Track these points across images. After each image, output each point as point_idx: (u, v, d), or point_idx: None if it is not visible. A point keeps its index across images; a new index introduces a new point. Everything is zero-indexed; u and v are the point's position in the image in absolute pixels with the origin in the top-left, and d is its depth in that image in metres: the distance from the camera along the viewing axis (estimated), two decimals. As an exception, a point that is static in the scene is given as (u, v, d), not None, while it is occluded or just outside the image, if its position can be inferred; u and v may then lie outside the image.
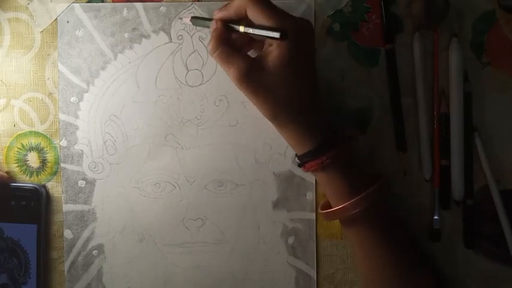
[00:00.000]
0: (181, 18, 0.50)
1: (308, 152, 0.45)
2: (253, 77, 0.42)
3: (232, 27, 0.44)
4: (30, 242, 0.50)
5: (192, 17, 0.48)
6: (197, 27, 0.51)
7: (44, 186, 0.51)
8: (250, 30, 0.42)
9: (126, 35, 0.51)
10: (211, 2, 0.51)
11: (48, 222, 0.51)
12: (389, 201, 0.48)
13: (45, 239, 0.51)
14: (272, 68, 0.42)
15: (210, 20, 0.46)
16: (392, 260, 0.46)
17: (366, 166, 0.51)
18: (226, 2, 0.50)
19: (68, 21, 0.51)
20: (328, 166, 0.44)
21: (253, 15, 0.42)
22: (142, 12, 0.51)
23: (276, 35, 0.40)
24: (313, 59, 0.45)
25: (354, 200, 0.44)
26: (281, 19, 0.42)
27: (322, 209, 0.48)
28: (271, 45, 0.43)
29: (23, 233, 0.50)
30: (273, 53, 0.42)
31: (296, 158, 0.47)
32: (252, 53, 0.46)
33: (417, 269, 0.47)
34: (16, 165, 0.51)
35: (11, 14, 0.51)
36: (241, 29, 0.42)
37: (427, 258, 0.50)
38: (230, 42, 0.44)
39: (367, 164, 0.51)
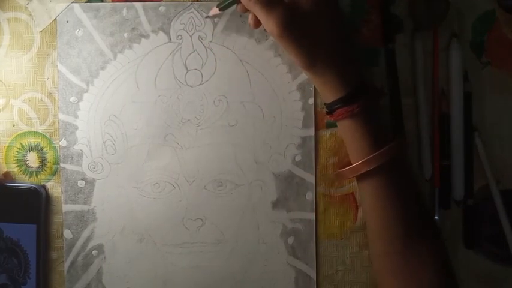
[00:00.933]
0: (208, 17, 0.50)
1: (340, 99, 0.44)
2: (295, 22, 0.42)
3: None
4: (29, 242, 0.50)
5: (218, 6, 0.48)
6: (196, 27, 0.51)
7: (44, 187, 0.51)
8: None
9: (125, 35, 0.51)
10: (211, 2, 0.51)
11: (47, 222, 0.51)
12: (407, 160, 0.48)
13: (44, 239, 0.51)
14: (308, 8, 0.42)
15: None
16: (403, 216, 0.45)
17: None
18: (225, 2, 0.50)
19: (67, 21, 0.51)
20: (357, 114, 0.44)
21: None
22: (141, 12, 0.51)
23: None
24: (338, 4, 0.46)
25: (374, 154, 0.44)
26: None
27: (342, 167, 0.47)
28: None
29: (23, 233, 0.50)
30: None
31: (325, 106, 0.47)
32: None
33: (426, 235, 0.46)
34: (15, 165, 0.51)
35: (10, 14, 0.51)
36: None
37: (439, 232, 0.49)
38: None
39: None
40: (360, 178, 0.47)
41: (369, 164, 0.44)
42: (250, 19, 0.46)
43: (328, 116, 0.47)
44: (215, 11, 0.49)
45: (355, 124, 0.45)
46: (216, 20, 0.51)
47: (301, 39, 0.43)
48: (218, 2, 0.49)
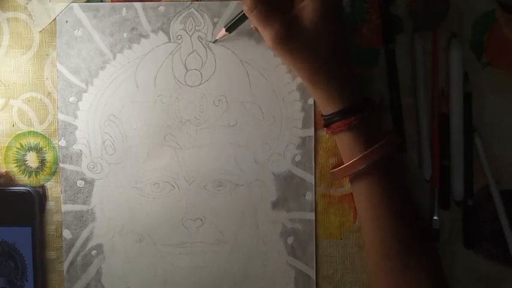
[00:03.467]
0: (216, 41, 0.50)
1: (338, 112, 0.44)
2: (292, 38, 0.42)
3: None
4: (25, 245, 0.50)
5: (225, 26, 0.48)
6: (196, 27, 0.51)
7: (40, 188, 0.51)
8: None
9: (125, 35, 0.51)
10: (211, 2, 0.51)
11: (43, 224, 0.51)
12: (399, 159, 0.49)
13: (40, 241, 0.51)
14: (309, 23, 0.42)
15: (241, 12, 0.45)
16: (397, 216, 0.45)
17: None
18: (224, 3, 0.50)
19: (66, 21, 0.51)
20: (354, 127, 0.44)
21: None
22: (141, 12, 0.51)
23: None
24: (343, 18, 0.46)
25: (365, 153, 0.44)
26: None
27: (335, 167, 0.47)
28: (302, 1, 0.43)
29: (18, 236, 0.50)
30: (307, 7, 0.42)
31: (323, 118, 0.47)
32: None
33: (420, 238, 0.46)
34: (15, 165, 0.51)
35: (9, 14, 0.51)
36: None
37: (430, 235, 0.50)
38: (267, 2, 0.43)
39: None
40: (353, 178, 0.47)
41: (360, 162, 0.44)
42: (253, 25, 0.46)
43: (325, 129, 0.47)
44: (222, 33, 0.49)
45: (352, 135, 0.45)
46: (215, 20, 0.51)
47: (299, 53, 0.43)
48: (225, 20, 0.48)
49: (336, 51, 0.44)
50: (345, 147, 0.46)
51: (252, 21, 0.44)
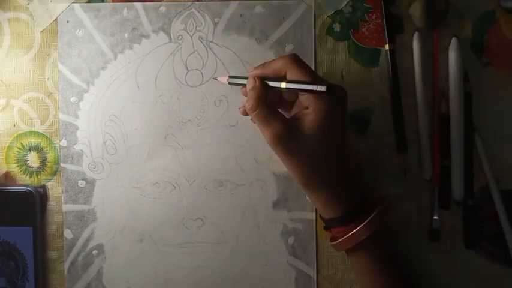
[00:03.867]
0: (215, 79, 0.50)
1: (334, 219, 0.45)
2: (289, 140, 0.42)
3: (269, 84, 0.44)
4: (26, 245, 0.50)
5: (229, 76, 0.49)
6: (197, 27, 0.51)
7: (41, 188, 0.51)
8: (294, 86, 0.41)
9: (126, 35, 0.51)
10: (212, 2, 0.51)
11: (44, 224, 0.51)
12: (391, 229, 0.50)
13: (41, 241, 0.51)
14: (308, 132, 0.42)
15: (245, 78, 0.46)
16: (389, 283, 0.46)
17: (366, 167, 0.51)
18: (225, 3, 0.50)
19: (68, 21, 0.51)
20: (355, 233, 0.44)
21: (295, 76, 0.43)
22: (142, 12, 0.51)
23: (323, 88, 0.40)
24: (346, 127, 0.46)
25: (358, 228, 0.44)
26: (320, 82, 0.42)
27: (332, 241, 0.47)
28: (306, 108, 0.43)
29: (19, 236, 0.50)
30: (309, 116, 0.42)
31: (322, 221, 0.47)
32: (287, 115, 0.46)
33: None
34: (16, 165, 0.51)
35: (11, 14, 0.51)
36: (283, 85, 0.42)
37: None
38: (268, 102, 0.44)
39: (368, 164, 0.51)
40: (347, 251, 0.47)
41: (354, 239, 0.44)
42: (240, 107, 0.46)
43: (327, 232, 0.47)
44: (224, 79, 0.49)
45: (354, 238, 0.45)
46: (216, 20, 0.51)
47: (294, 155, 0.43)
48: (226, 20, 0.49)
49: (332, 160, 0.44)
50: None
51: (255, 121, 0.44)
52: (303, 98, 0.44)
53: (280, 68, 0.44)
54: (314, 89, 0.40)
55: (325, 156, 0.43)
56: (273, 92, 0.45)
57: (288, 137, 0.42)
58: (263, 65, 0.45)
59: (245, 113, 0.46)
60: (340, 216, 0.44)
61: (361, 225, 0.44)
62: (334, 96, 0.42)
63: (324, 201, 0.45)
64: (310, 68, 0.44)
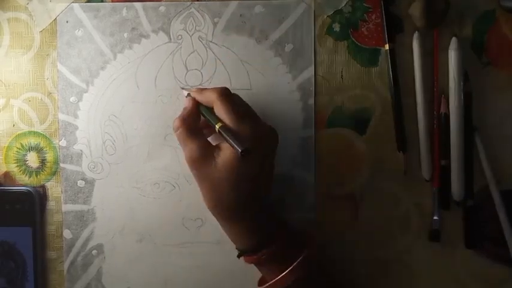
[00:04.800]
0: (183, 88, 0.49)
1: (245, 249, 0.45)
2: (202, 166, 0.43)
3: (203, 113, 0.45)
4: (26, 245, 0.50)
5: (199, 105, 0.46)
6: (196, 27, 0.51)
7: (40, 188, 0.51)
8: (223, 134, 0.42)
9: (125, 35, 0.51)
10: (211, 2, 0.51)
11: (43, 224, 0.51)
12: (322, 264, 0.49)
13: (41, 241, 0.51)
14: (220, 165, 0.42)
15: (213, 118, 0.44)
16: None
17: (366, 167, 0.51)
18: (225, 3, 0.50)
19: (67, 21, 0.51)
20: (264, 261, 0.45)
21: (218, 111, 0.43)
22: (141, 12, 0.51)
23: (238, 150, 0.40)
24: (267, 163, 0.45)
25: (284, 274, 0.44)
26: (240, 122, 0.42)
27: (259, 285, 0.48)
28: (224, 141, 0.43)
29: (19, 236, 0.50)
30: (226, 152, 0.42)
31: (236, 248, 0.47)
32: (211, 139, 0.46)
33: None
34: (15, 165, 0.51)
35: (10, 14, 0.51)
36: (217, 126, 0.42)
37: None
38: (193, 125, 0.44)
39: (368, 164, 0.51)
40: None
41: (280, 283, 0.44)
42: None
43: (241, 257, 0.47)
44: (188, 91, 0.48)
45: (264, 265, 0.46)
46: (216, 20, 0.51)
47: (205, 182, 0.43)
48: (225, 20, 0.49)
49: (238, 202, 0.43)
50: (261, 268, 0.47)
51: (176, 137, 0.45)
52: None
53: (210, 100, 0.44)
54: (234, 145, 0.40)
55: (235, 192, 0.43)
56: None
57: (202, 161, 0.43)
58: (200, 90, 0.46)
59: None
60: (250, 245, 0.45)
61: (288, 270, 0.44)
62: (253, 140, 0.42)
63: (231, 232, 0.46)
64: (236, 106, 0.43)
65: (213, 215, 0.45)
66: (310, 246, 0.45)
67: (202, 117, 0.45)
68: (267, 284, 0.45)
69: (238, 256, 0.47)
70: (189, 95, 0.47)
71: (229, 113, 0.43)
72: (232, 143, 0.41)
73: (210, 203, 0.44)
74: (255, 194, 0.44)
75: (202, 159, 0.43)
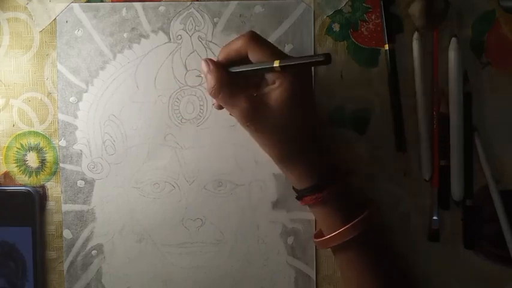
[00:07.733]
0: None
1: (307, 188, 0.45)
2: (258, 116, 0.43)
3: (234, 70, 0.44)
4: (26, 245, 0.50)
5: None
6: (196, 27, 0.51)
7: (40, 188, 0.51)
8: (289, 64, 0.41)
9: (125, 35, 0.51)
10: (211, 2, 0.51)
11: (43, 224, 0.51)
12: (381, 228, 0.49)
13: (41, 241, 0.51)
14: (275, 105, 0.42)
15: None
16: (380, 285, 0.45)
17: (366, 167, 0.51)
18: (224, 3, 0.50)
19: (67, 21, 0.51)
20: (325, 201, 0.45)
21: (255, 55, 0.43)
22: (141, 12, 0.51)
23: (321, 57, 0.39)
24: (313, 95, 0.46)
25: (344, 228, 0.44)
26: (282, 57, 0.42)
27: (316, 238, 0.48)
28: (273, 83, 0.43)
29: (18, 236, 0.50)
30: (276, 90, 0.42)
31: (295, 192, 0.47)
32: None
33: None
34: (15, 165, 0.51)
35: (10, 14, 0.51)
36: (276, 63, 0.41)
37: None
38: (230, 84, 0.44)
39: (367, 164, 0.51)
40: (333, 249, 0.47)
41: (339, 238, 0.44)
42: (214, 103, 0.47)
43: (298, 202, 0.47)
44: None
45: (325, 208, 0.45)
46: (215, 20, 0.51)
47: (265, 131, 0.44)
48: (225, 20, 0.49)
49: (303, 131, 0.44)
50: (322, 217, 0.46)
51: (222, 104, 0.45)
52: (269, 75, 0.43)
53: (241, 48, 0.43)
54: (312, 60, 0.40)
55: (295, 127, 0.43)
56: (238, 75, 0.44)
57: (256, 112, 0.43)
58: (225, 46, 0.45)
59: (220, 107, 0.46)
60: (312, 185, 0.45)
61: (348, 224, 0.44)
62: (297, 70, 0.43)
63: (297, 172, 0.45)
64: (270, 44, 0.44)
65: (277, 162, 0.45)
66: (371, 207, 0.46)
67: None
68: (326, 237, 0.45)
69: (298, 198, 0.46)
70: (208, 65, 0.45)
71: (272, 48, 0.43)
72: (310, 60, 0.40)
73: (273, 150, 0.44)
74: (315, 124, 0.45)
75: (254, 110, 0.43)
